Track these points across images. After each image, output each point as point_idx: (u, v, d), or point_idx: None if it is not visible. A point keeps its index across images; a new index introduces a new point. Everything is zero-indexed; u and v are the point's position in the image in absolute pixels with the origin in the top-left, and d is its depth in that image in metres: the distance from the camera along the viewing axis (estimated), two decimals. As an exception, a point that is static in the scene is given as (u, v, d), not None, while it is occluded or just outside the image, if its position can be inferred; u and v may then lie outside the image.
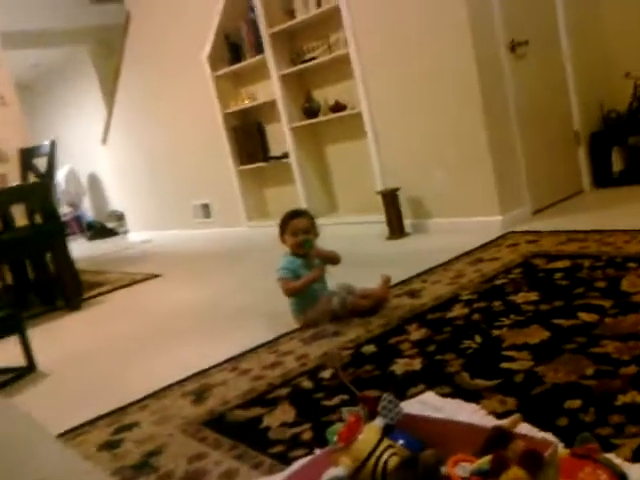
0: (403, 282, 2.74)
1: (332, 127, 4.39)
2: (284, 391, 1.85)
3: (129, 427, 1.84)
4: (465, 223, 3.51)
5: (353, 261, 2.87)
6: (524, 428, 1.06)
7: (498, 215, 3.40)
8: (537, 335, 1.82)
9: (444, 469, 0.97)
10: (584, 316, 1.89)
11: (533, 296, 2.18)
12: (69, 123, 8.75)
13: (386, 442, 1.06)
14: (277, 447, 1.51)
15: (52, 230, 3.75)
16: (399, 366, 1.83)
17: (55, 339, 3.19)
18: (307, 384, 1.86)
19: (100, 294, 4.04)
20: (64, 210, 7.56)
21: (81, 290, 3.98)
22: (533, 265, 2.59)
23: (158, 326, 3.02)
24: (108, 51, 6.83)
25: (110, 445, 1.75)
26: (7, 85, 4.91)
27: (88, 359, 2.72)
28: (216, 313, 3.00)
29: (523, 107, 3.54)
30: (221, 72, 4.86)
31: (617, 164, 3.89)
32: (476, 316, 2.12)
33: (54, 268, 3.81)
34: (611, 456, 0.98)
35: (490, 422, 1.12)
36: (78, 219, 8.54)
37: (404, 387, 1.66)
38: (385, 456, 1.03)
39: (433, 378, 1.69)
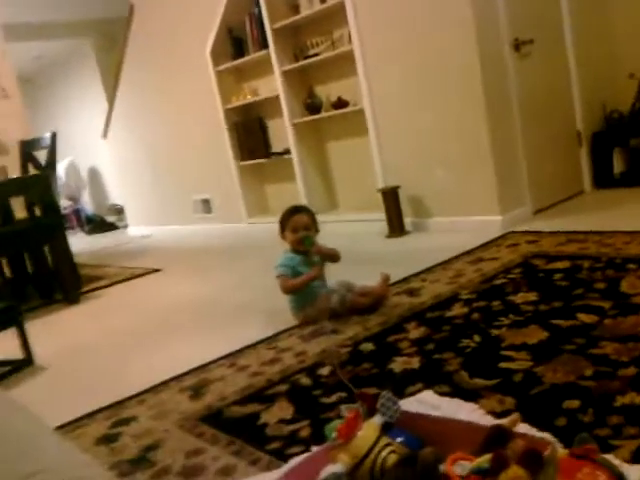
0: (402, 280, 2.74)
1: (334, 124, 4.39)
2: (282, 388, 1.85)
3: (127, 421, 1.84)
4: (465, 222, 3.51)
5: (353, 259, 2.86)
6: (523, 428, 1.06)
7: (498, 215, 3.40)
8: (536, 335, 1.82)
9: (443, 467, 0.96)
10: (583, 317, 1.89)
11: (532, 296, 2.18)
12: (70, 116, 8.74)
13: (385, 439, 1.05)
14: (275, 443, 1.51)
15: (51, 223, 3.75)
16: (397, 364, 1.83)
17: (53, 332, 3.19)
18: (305, 381, 1.86)
19: (99, 288, 4.04)
20: (64, 203, 7.54)
21: (80, 284, 3.98)
22: (533, 265, 2.58)
23: (157, 321, 3.02)
24: (111, 44, 6.81)
25: (108, 439, 1.75)
26: (9, 77, 4.90)
27: (86, 353, 2.72)
28: (215, 309, 2.99)
29: (526, 106, 3.53)
30: (223, 67, 4.85)
31: (618, 165, 3.89)
32: (475, 315, 2.11)
33: (53, 261, 3.81)
34: (610, 457, 0.98)
35: (489, 421, 1.12)
36: (78, 213, 8.53)
37: (402, 385, 1.66)
38: (384, 453, 1.02)
39: (432, 377, 1.69)
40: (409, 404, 1.23)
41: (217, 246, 4.91)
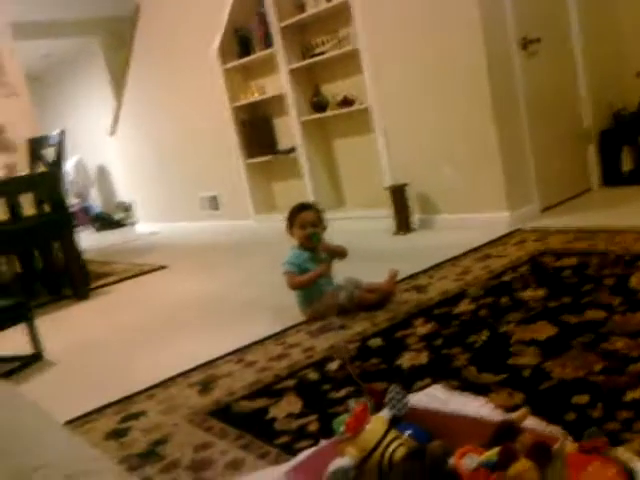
0: (410, 277, 2.74)
1: (340, 122, 4.39)
2: (290, 383, 1.85)
3: (136, 416, 1.85)
4: (473, 219, 3.50)
5: (360, 255, 2.87)
6: (532, 422, 1.06)
7: (506, 212, 3.39)
8: (545, 331, 1.82)
9: (451, 461, 0.97)
10: (592, 313, 1.88)
11: (541, 293, 2.18)
12: (78, 114, 8.76)
13: (393, 433, 1.06)
14: (283, 438, 1.51)
15: (60, 220, 3.76)
16: (405, 359, 1.83)
17: (62, 328, 3.21)
18: (313, 376, 1.86)
19: (107, 284, 4.06)
20: (72, 201, 7.57)
21: (88, 280, 4.00)
22: (541, 262, 2.58)
23: (165, 317, 3.03)
24: (119, 42, 6.82)
25: (117, 433, 1.76)
26: (18, 76, 4.92)
27: (95, 348, 2.74)
28: (222, 305, 3.00)
29: (533, 104, 3.52)
30: (230, 65, 4.86)
31: (627, 163, 3.87)
32: (483, 312, 2.11)
33: (62, 258, 3.83)
34: (620, 451, 0.98)
35: (498, 415, 1.12)
36: (86, 210, 8.56)
37: (411, 380, 1.66)
38: (392, 447, 1.03)
39: (440, 372, 1.69)
40: (418, 398, 1.23)
41: (224, 243, 4.92)
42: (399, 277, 2.55)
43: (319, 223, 2.50)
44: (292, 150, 4.62)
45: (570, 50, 3.78)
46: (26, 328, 2.62)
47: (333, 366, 1.90)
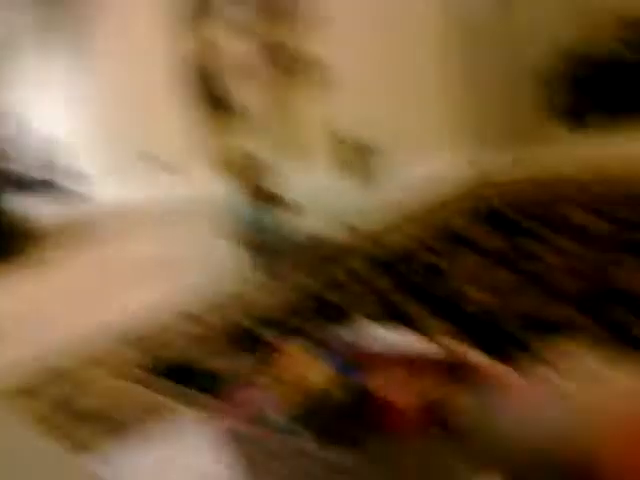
0: (367, 229, 2.66)
1: (299, 77, 4.23)
2: (232, 334, 1.76)
3: (59, 373, 1.73)
4: (427, 166, 3.42)
5: (317, 209, 2.79)
6: (471, 355, 1.01)
7: (461, 158, 3.34)
8: (498, 276, 1.76)
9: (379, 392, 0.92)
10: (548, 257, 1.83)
11: (494, 238, 2.13)
12: None
13: (318, 365, 0.99)
14: (211, 383, 1.42)
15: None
16: (357, 309, 1.75)
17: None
18: (258, 328, 1.77)
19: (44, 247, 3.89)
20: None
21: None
22: (496, 208, 2.54)
23: (105, 275, 2.91)
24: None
25: (31, 391, 1.64)
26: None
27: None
28: (170, 263, 2.88)
29: (478, 40, 3.45)
30: (180, 16, 4.64)
31: (566, 101, 3.83)
32: (434, 257, 2.05)
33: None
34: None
35: (434, 350, 1.06)
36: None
37: (345, 318, 1.58)
38: (317, 378, 0.97)
39: (381, 311, 1.64)
40: (355, 337, 1.16)
41: (173, 203, 4.76)
42: (356, 230, 2.49)
43: (271, 177, 2.46)
44: (245, 105, 4.46)
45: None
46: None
47: (282, 318, 1.81)
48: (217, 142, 5.00)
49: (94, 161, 6.35)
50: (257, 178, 2.44)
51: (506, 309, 1.51)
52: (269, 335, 1.63)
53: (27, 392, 1.66)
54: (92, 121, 6.09)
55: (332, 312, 1.75)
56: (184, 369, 1.59)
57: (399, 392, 0.90)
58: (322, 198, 3.49)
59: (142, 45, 5.04)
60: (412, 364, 0.98)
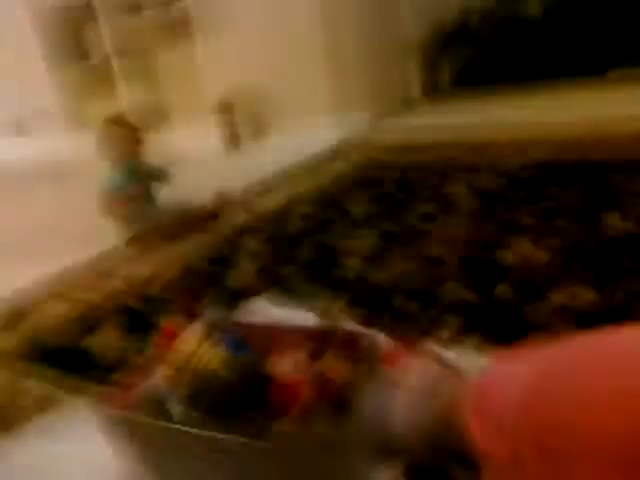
0: (238, 195, 2.65)
1: (161, 27, 4.03)
2: (110, 313, 1.71)
3: None
4: (302, 132, 3.45)
5: (186, 174, 2.70)
6: (350, 325, 1.06)
7: (335, 124, 3.39)
8: (369, 241, 1.85)
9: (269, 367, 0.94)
10: (413, 222, 1.95)
11: (365, 204, 2.21)
12: None
13: (207, 345, 1.00)
14: (101, 370, 1.39)
15: None
16: (232, 278, 1.77)
17: None
18: (135, 303, 1.74)
19: None
20: None
21: None
22: (367, 174, 2.62)
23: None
24: None
25: None
26: None
27: None
28: (32, 235, 2.70)
29: (359, 12, 3.48)
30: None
31: (447, 73, 4.01)
32: (310, 225, 2.10)
33: None
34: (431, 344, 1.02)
35: (318, 322, 1.10)
36: None
37: (239, 298, 1.60)
38: (206, 358, 0.97)
39: (267, 288, 1.65)
40: (240, 314, 1.18)
41: (33, 168, 4.42)
42: (227, 196, 2.45)
43: (134, 140, 2.29)
44: (107, 59, 4.20)
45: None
46: None
47: (155, 292, 1.79)
48: (85, 101, 4.70)
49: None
50: (127, 141, 2.30)
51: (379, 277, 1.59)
52: (155, 315, 1.61)
53: None
54: None
55: (214, 285, 1.75)
56: (65, 354, 1.53)
57: (291, 370, 0.91)
58: (195, 163, 3.42)
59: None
60: (306, 340, 0.99)
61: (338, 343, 0.92)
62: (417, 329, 1.06)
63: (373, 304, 1.44)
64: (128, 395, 1.02)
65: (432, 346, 1.00)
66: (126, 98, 4.19)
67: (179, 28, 3.83)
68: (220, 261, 1.94)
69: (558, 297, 1.30)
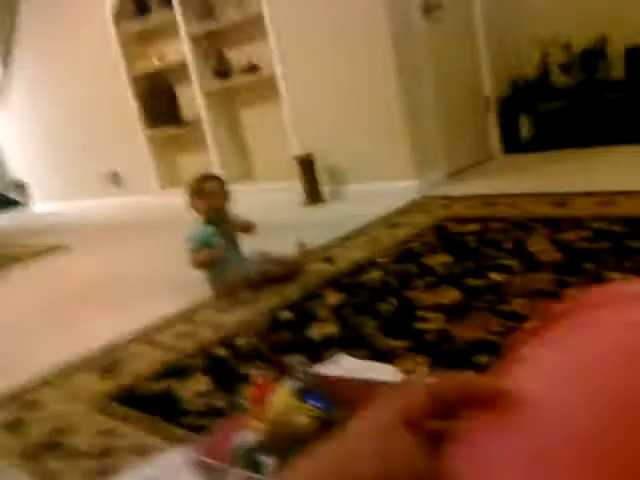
0: (319, 248, 2.73)
1: (246, 90, 4.28)
2: (198, 361, 1.80)
3: (33, 405, 1.74)
4: (381, 188, 3.52)
5: (269, 228, 2.82)
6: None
7: (413, 180, 3.45)
8: (449, 295, 1.86)
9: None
10: (493, 276, 1.94)
11: (445, 258, 2.23)
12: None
13: (298, 402, 1.04)
14: (190, 417, 1.46)
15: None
16: (315, 331, 1.82)
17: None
18: (222, 352, 1.82)
19: (3, 267, 3.79)
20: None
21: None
22: (446, 228, 2.64)
23: (66, 299, 2.86)
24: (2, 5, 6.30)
25: (13, 424, 1.64)
26: None
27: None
28: (127, 285, 2.88)
29: (437, 71, 3.57)
30: (126, 28, 4.60)
31: (525, 130, 4.02)
32: (391, 279, 2.13)
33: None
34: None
35: (401, 379, 1.13)
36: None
37: (321, 351, 1.65)
38: (296, 416, 1.01)
39: (349, 341, 1.69)
40: (324, 368, 1.22)
41: (128, 220, 4.71)
42: (308, 248, 2.53)
43: (223, 194, 2.42)
44: (197, 120, 4.47)
45: (471, 17, 3.85)
46: None
47: (243, 342, 1.86)
48: (170, 157, 4.99)
49: (42, 173, 6.19)
50: (212, 196, 2.41)
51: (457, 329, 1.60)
52: (242, 364, 1.68)
53: (9, 427, 1.66)
54: (40, 134, 5.94)
55: (297, 337, 1.81)
56: (157, 400, 1.62)
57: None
58: (273, 216, 3.55)
59: (93, 59, 4.98)
60: (378, 392, 1.03)
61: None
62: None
63: (455, 359, 1.45)
64: (221, 445, 1.08)
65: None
66: (214, 155, 4.43)
67: (264, 90, 4.05)
68: (302, 312, 2.00)
69: None
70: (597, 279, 1.75)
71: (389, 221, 2.97)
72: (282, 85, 3.85)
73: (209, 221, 2.39)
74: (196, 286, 2.44)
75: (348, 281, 2.22)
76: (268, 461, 1.02)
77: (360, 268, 2.33)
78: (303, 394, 1.06)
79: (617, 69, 3.65)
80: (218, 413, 1.44)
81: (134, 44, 4.71)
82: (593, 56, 3.66)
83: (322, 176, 3.82)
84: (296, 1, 3.60)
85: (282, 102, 3.90)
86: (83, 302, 2.76)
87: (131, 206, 5.05)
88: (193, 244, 2.35)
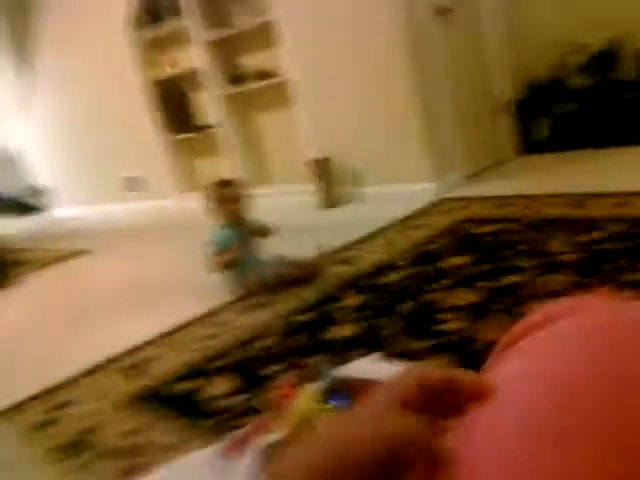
0: (337, 251, 2.76)
1: (260, 95, 4.32)
2: (222, 362, 1.84)
3: (63, 405, 1.79)
4: (399, 190, 3.55)
5: (286, 231, 2.86)
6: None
7: (431, 182, 3.47)
8: (466, 297, 1.88)
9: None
10: (511, 277, 1.96)
11: (463, 260, 2.25)
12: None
13: (321, 405, 1.06)
14: (217, 418, 1.50)
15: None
16: (335, 333, 1.86)
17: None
18: (245, 354, 1.86)
19: (28, 272, 3.87)
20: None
21: (7, 269, 3.80)
22: (464, 230, 2.66)
23: (90, 303, 2.93)
24: (21, 12, 6.40)
25: (44, 424, 1.70)
26: None
27: (18, 339, 2.62)
28: (149, 288, 2.93)
29: (452, 73, 3.59)
30: (141, 36, 4.68)
31: (541, 131, 4.02)
32: (409, 281, 2.16)
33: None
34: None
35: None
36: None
37: (342, 353, 1.68)
38: (318, 420, 1.03)
39: (369, 343, 1.72)
40: (348, 369, 1.25)
41: (148, 224, 4.78)
42: (326, 251, 2.57)
43: (240, 199, 2.46)
44: (212, 126, 4.53)
45: (484, 18, 3.87)
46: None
47: (264, 343, 1.90)
48: (187, 162, 5.05)
49: (64, 177, 6.29)
50: (230, 200, 2.45)
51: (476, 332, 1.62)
52: (264, 367, 1.72)
53: (40, 426, 1.71)
54: (57, 137, 6.04)
55: (317, 340, 1.84)
56: (182, 402, 1.66)
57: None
58: (290, 219, 3.59)
59: (109, 66, 5.06)
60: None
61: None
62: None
63: (474, 361, 1.47)
64: (243, 448, 1.10)
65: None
66: (231, 159, 4.48)
67: (279, 94, 4.09)
68: (321, 315, 2.03)
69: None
70: (612, 280, 1.77)
71: (407, 223, 3.00)
72: (298, 89, 3.89)
73: (227, 226, 2.44)
74: (215, 289, 2.49)
75: (366, 283, 2.25)
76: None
77: (378, 270, 2.36)
78: (328, 395, 1.09)
79: (632, 70, 3.65)
80: (242, 414, 1.48)
81: (149, 50, 4.79)
82: (608, 57, 3.66)
83: (339, 179, 3.85)
84: (310, 6, 3.64)
85: (298, 106, 3.95)
86: (106, 305, 2.83)
87: (150, 210, 5.12)
88: (214, 248, 2.40)
